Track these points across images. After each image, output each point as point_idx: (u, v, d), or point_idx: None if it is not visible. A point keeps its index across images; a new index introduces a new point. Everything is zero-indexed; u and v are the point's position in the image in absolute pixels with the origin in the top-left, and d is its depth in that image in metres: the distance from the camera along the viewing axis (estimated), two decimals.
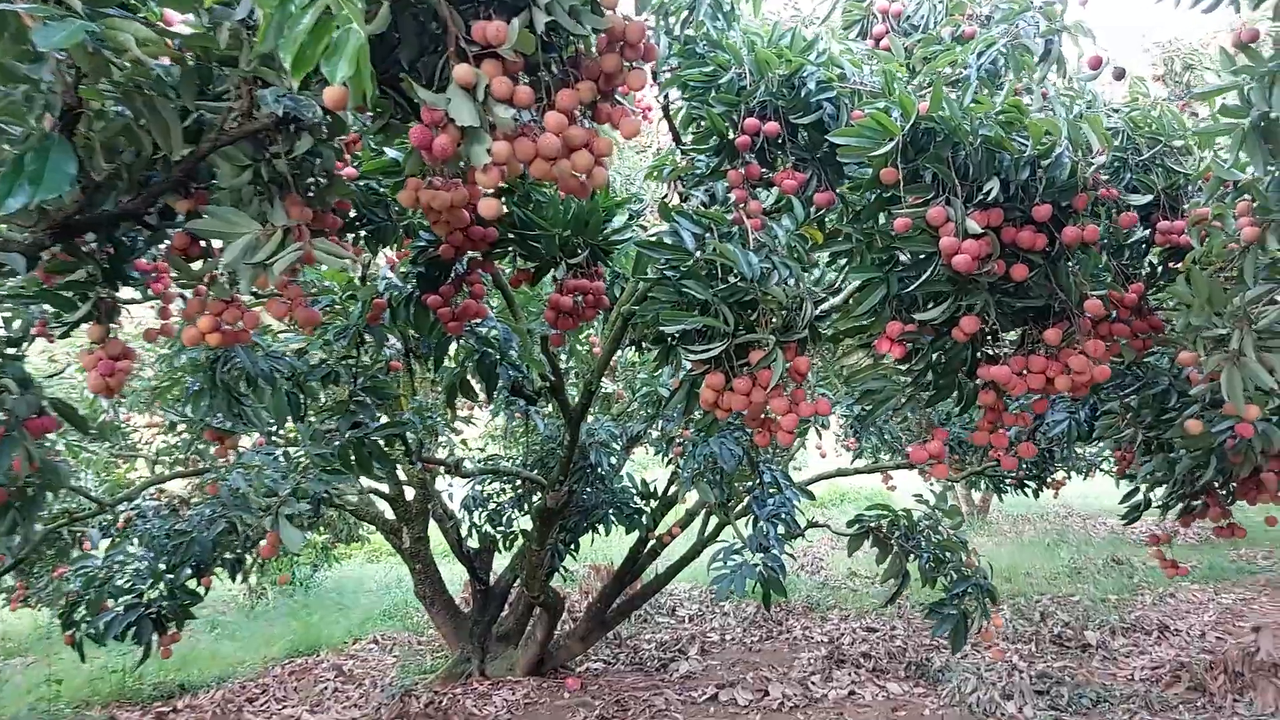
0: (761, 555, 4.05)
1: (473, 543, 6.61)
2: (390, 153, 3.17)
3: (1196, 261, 2.88)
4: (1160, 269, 3.65)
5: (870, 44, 3.48)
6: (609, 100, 2.07)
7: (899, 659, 7.02)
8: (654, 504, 6.10)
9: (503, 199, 3.14)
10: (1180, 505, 3.98)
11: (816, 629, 8.13)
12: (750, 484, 4.54)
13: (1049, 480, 8.08)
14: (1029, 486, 7.76)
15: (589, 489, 5.76)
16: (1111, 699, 5.76)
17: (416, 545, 7.04)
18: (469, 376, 3.64)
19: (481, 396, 4.91)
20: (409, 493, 6.99)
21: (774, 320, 2.55)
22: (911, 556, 4.05)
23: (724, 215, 2.59)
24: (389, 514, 7.08)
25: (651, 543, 6.47)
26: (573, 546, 6.07)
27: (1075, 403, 4.50)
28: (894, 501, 5.18)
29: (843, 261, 2.84)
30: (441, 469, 5.82)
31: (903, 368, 2.83)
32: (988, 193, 2.41)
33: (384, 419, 3.71)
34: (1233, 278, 2.90)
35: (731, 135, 2.75)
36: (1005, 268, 2.52)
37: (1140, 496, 4.19)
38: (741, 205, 2.76)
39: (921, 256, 2.56)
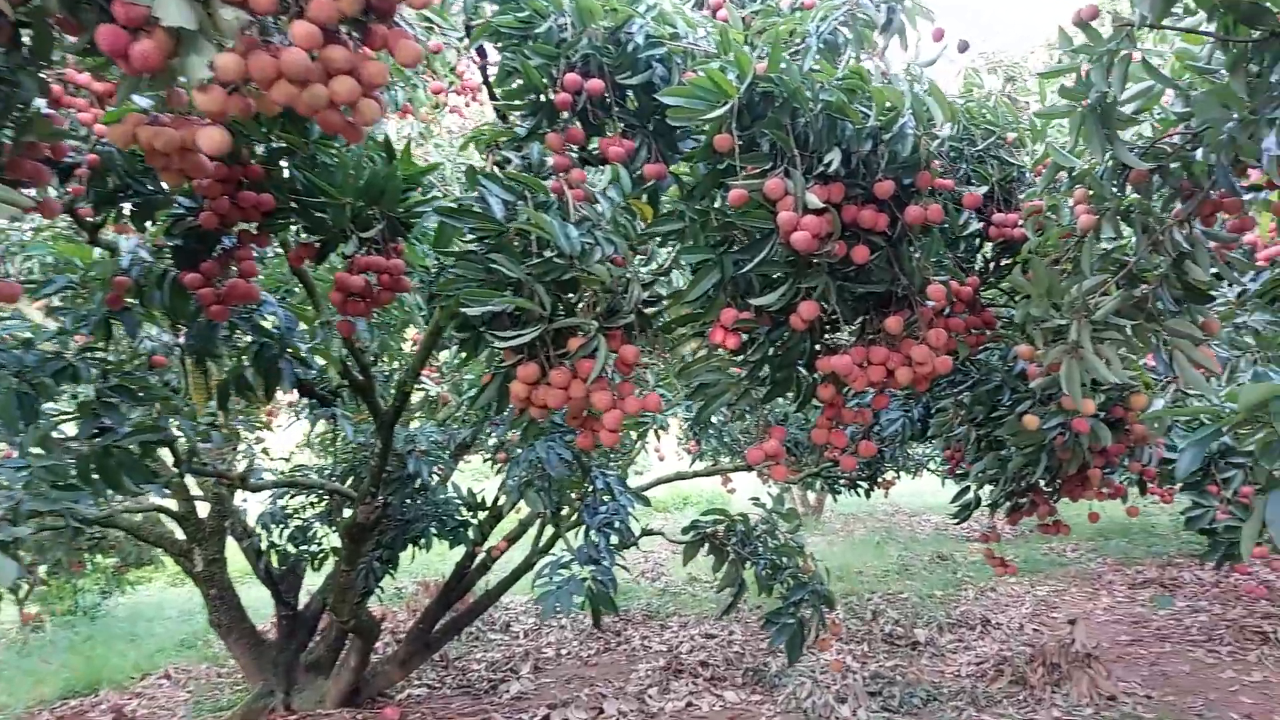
0: (591, 568, 3.72)
1: (275, 563, 5.94)
2: (142, 101, 2.63)
3: (1034, 251, 2.78)
4: (992, 264, 3.60)
5: (707, 14, 3.23)
6: (385, 20, 1.66)
7: (736, 665, 6.88)
8: (482, 515, 5.66)
9: (283, 162, 2.67)
10: (1008, 503, 3.98)
11: (655, 638, 7.90)
12: (584, 491, 4.21)
13: (880, 480, 8.26)
14: (862, 486, 7.89)
15: (408, 501, 5.25)
16: (940, 697, 5.81)
17: (210, 568, 6.28)
18: (246, 373, 3.10)
19: (295, 398, 4.33)
20: (203, 509, 6.23)
21: (598, 304, 2.22)
22: (748, 563, 3.83)
23: (540, 182, 2.23)
24: (181, 534, 6.28)
25: (481, 556, 6.02)
26: (390, 565, 5.53)
27: (909, 401, 4.45)
28: (733, 505, 4.99)
29: (675, 243, 2.55)
30: (223, 482, 5.14)
31: (738, 360, 2.57)
32: (829, 164, 2.17)
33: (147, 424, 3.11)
34: (1066, 270, 2.83)
35: (550, 93, 2.40)
36: (846, 249, 2.30)
37: (971, 495, 4.16)
38: (562, 173, 2.42)
39: (758, 235, 2.30)
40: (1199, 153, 2.38)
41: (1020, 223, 3.25)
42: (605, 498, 4.12)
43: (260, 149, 2.70)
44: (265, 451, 5.91)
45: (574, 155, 2.69)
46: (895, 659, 6.84)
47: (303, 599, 6.83)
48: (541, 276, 2.13)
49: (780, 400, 2.80)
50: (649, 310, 2.42)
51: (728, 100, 2.17)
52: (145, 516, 6.42)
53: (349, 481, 5.41)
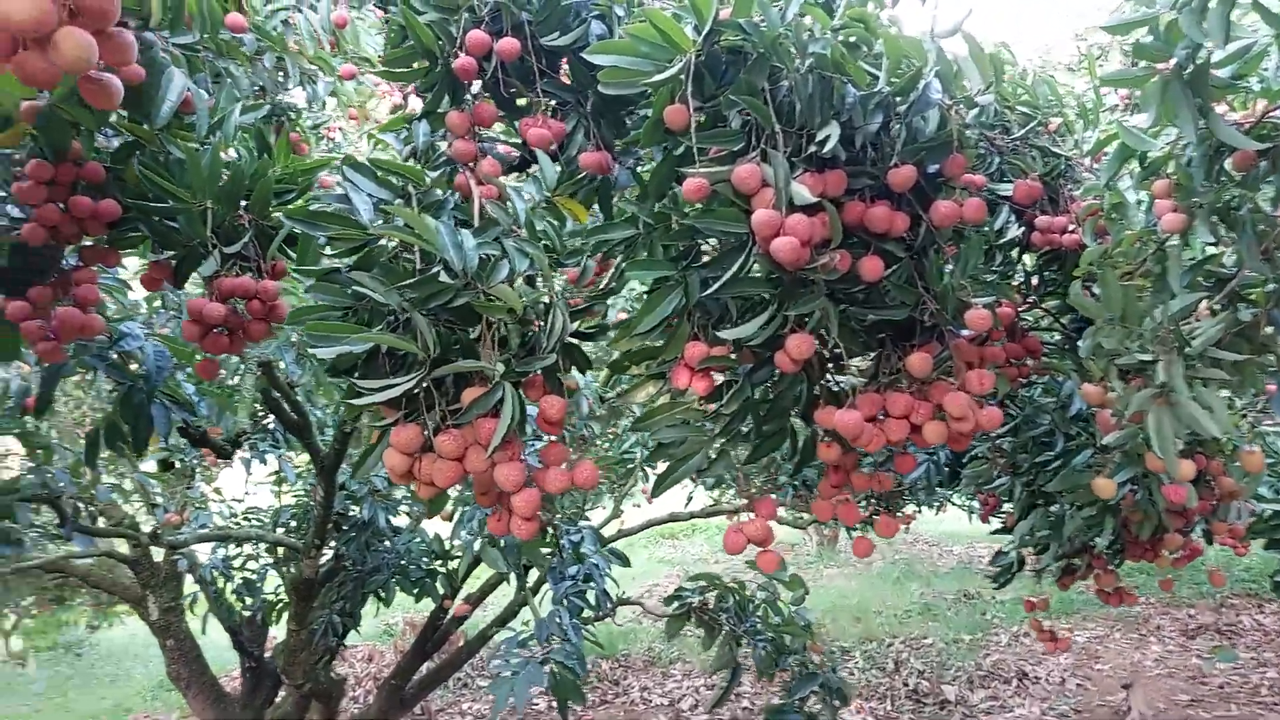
0: (556, 646, 3.10)
1: (218, 618, 5.36)
2: None
3: (1101, 262, 2.15)
4: (1035, 279, 2.98)
5: None
6: None
7: None
8: (454, 564, 5.05)
9: (134, 157, 2.10)
10: (1058, 565, 3.33)
11: (657, 689, 7.24)
12: (551, 550, 3.59)
13: (898, 515, 7.62)
14: (877, 522, 7.25)
15: (368, 549, 4.65)
16: None
17: (166, 616, 5.70)
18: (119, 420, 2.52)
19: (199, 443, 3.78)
20: (158, 552, 5.67)
21: (507, 339, 1.61)
22: (744, 641, 3.19)
23: (420, 171, 1.64)
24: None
25: (452, 610, 5.41)
26: (352, 619, 4.93)
27: None
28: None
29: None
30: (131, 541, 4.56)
31: (712, 408, 1.95)
32: (823, 143, 1.56)
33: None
34: (1144, 287, 2.20)
35: (451, 58, 1.81)
36: (851, 262, 1.69)
37: (1012, 556, 3.51)
38: (469, 165, 1.82)
39: (730, 244, 1.70)
40: None
41: (1073, 226, 2.63)
42: (576, 558, 3.50)
43: (106, 144, 2.14)
44: (217, 491, 5.35)
45: (506, 150, 2.10)
46: None
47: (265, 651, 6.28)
48: (423, 303, 1.53)
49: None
50: (587, 345, 1.82)
51: (681, 56, 1.57)
52: (98, 561, 5.88)
53: (299, 531, 4.82)
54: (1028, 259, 3.03)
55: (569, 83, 1.95)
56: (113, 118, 2.03)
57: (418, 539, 4.89)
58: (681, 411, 1.91)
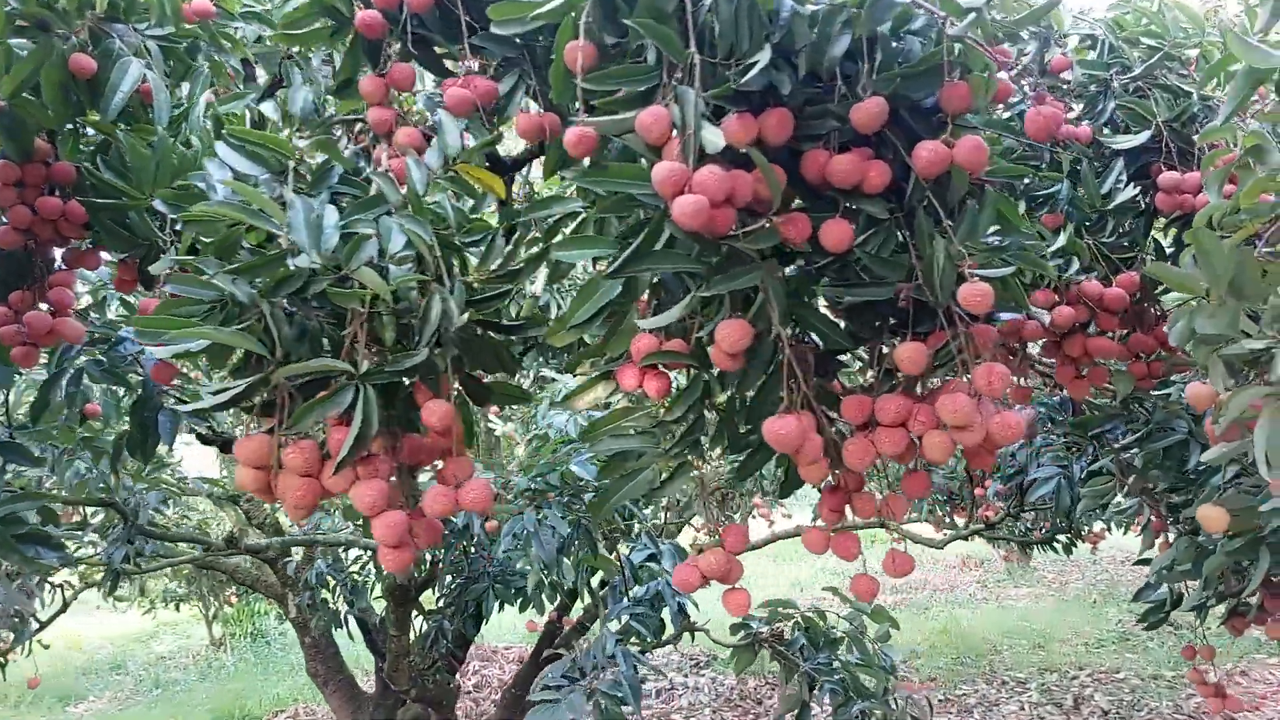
0: (607, 673, 2.82)
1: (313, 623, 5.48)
2: None
3: (1212, 223, 1.61)
4: (1172, 251, 2.39)
5: None
6: None
7: None
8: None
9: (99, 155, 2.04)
10: (1221, 605, 2.69)
11: None
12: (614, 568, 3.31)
13: (1084, 534, 6.79)
14: (1058, 542, 6.51)
15: (468, 559, 4.57)
16: None
17: (304, 615, 5.94)
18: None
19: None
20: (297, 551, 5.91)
21: (384, 332, 1.36)
22: (817, 679, 2.78)
23: (285, 142, 1.42)
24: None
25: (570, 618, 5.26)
26: (469, 627, 4.87)
27: (1069, 452, 3.19)
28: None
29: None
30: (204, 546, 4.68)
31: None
32: (745, 70, 1.20)
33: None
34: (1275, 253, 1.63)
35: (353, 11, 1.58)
36: (812, 228, 1.31)
37: (1163, 591, 2.87)
38: (382, 136, 1.60)
39: (653, 209, 1.36)
40: None
41: (1203, 182, 2.06)
42: (640, 576, 3.20)
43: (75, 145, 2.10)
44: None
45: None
46: None
47: None
48: (271, 291, 1.31)
49: None
50: (505, 337, 1.54)
51: None
52: (248, 559, 6.22)
53: None
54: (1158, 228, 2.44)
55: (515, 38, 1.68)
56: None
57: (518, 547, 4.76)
58: (636, 419, 1.58)
